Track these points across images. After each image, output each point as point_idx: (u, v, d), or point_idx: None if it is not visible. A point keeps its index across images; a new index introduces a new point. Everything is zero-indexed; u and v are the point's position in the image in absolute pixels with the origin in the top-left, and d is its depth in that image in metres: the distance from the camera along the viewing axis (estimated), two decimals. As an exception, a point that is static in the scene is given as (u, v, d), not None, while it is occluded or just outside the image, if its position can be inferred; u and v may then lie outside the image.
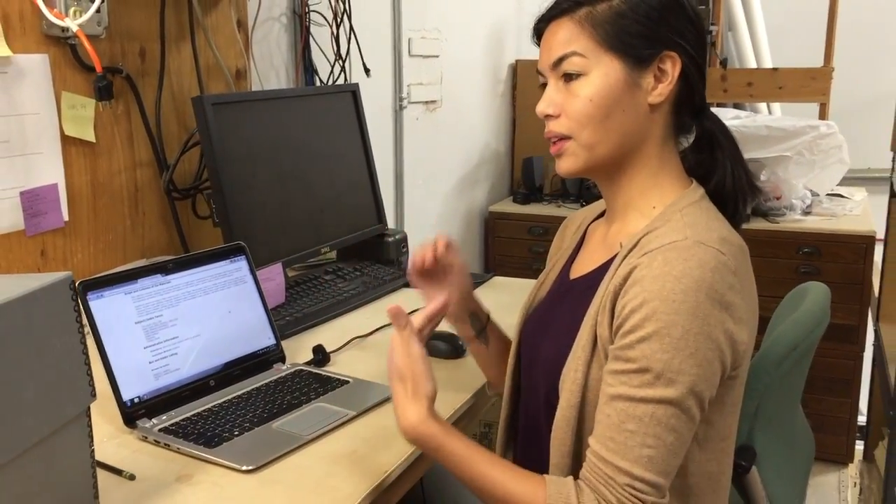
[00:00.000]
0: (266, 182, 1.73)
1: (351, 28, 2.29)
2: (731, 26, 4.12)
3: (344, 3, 2.25)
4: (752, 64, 4.13)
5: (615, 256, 1.03)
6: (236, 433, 1.17)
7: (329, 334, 1.60)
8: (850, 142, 3.03)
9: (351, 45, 2.31)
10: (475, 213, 3.49)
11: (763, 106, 4.13)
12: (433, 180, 3.09)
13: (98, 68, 1.50)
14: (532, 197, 3.53)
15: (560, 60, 1.03)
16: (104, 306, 1.20)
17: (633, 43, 1.01)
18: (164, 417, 1.22)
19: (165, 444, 1.15)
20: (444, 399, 1.29)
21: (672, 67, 1.02)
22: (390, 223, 2.16)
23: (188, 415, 1.23)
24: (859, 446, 3.02)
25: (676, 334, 0.91)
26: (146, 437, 1.17)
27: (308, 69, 2.24)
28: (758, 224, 2.99)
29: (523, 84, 3.70)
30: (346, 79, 2.31)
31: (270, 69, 2.15)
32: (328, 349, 1.47)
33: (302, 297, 1.74)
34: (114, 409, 1.19)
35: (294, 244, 1.78)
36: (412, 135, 2.88)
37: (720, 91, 3.50)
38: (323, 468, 1.10)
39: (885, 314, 2.50)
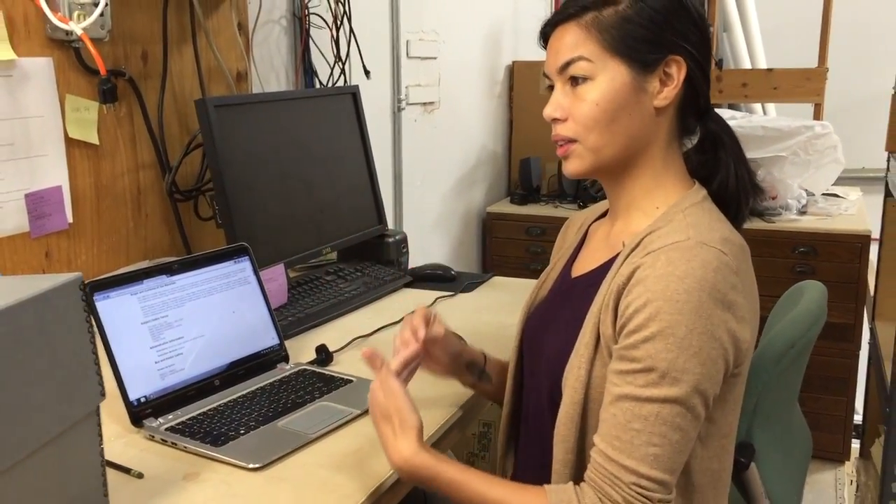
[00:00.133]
0: (268, 183, 1.74)
1: (351, 30, 2.30)
2: (725, 27, 4.14)
3: (344, 6, 2.27)
4: (747, 64, 4.15)
5: (617, 255, 1.05)
6: (242, 432, 1.18)
7: (331, 334, 1.61)
8: (844, 142, 3.05)
9: (351, 48, 2.32)
10: (473, 214, 3.50)
11: (758, 106, 4.15)
12: (431, 181, 3.11)
13: (103, 71, 1.51)
14: (529, 197, 3.55)
15: (567, 65, 1.04)
16: (111, 307, 1.21)
17: (638, 48, 1.02)
18: (171, 417, 1.23)
19: (172, 443, 1.16)
20: (446, 394, 1.31)
21: (677, 71, 1.03)
22: (389, 224, 2.17)
23: (194, 414, 1.24)
24: (855, 444, 3.04)
25: (680, 334, 0.92)
26: (153, 437, 1.18)
27: (308, 71, 2.25)
28: (753, 224, 2.95)
29: (520, 85, 3.72)
30: (345, 81, 2.33)
31: (271, 71, 2.16)
32: (330, 349, 1.49)
33: (304, 298, 1.75)
34: (120, 408, 1.20)
35: (296, 245, 1.79)
36: (410, 136, 2.89)
37: (715, 91, 3.52)
38: (329, 466, 1.11)
39: (880, 313, 2.52)
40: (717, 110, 1.13)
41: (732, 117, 3.24)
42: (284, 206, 1.78)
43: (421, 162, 2.99)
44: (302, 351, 1.51)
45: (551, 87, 1.08)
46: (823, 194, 3.25)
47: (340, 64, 2.30)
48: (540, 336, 1.15)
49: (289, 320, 1.62)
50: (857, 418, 3.08)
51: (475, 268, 3.55)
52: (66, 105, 1.54)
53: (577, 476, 1.02)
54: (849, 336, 2.95)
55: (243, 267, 1.42)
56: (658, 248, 0.97)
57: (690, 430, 0.95)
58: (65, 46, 1.53)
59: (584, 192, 3.45)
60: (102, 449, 0.98)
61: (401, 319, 1.68)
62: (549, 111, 1.07)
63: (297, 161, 1.83)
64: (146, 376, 1.23)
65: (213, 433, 1.18)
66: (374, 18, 2.64)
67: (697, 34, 1.05)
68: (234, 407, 1.27)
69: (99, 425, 0.97)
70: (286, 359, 1.44)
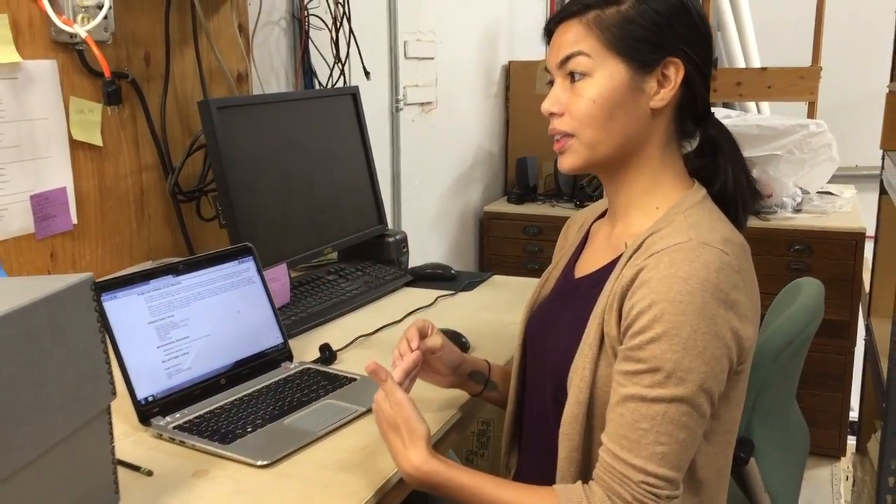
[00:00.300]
0: (269, 184, 1.76)
1: (350, 31, 2.31)
2: (719, 26, 4.16)
3: (343, 7, 2.28)
4: (741, 63, 4.18)
5: (620, 256, 1.06)
6: (249, 430, 1.20)
7: (333, 333, 1.62)
8: (838, 140, 3.06)
9: (350, 48, 2.33)
10: (470, 213, 3.52)
11: (752, 105, 4.17)
12: (429, 181, 3.12)
13: (107, 73, 1.52)
14: (526, 197, 3.56)
15: (566, 59, 1.06)
16: (118, 307, 1.22)
17: (638, 48, 1.03)
18: (178, 415, 1.24)
19: (180, 441, 1.18)
20: (445, 396, 1.32)
21: (675, 74, 1.05)
22: (388, 223, 2.18)
23: (201, 412, 1.25)
24: (851, 440, 3.07)
25: (685, 334, 0.93)
26: (161, 435, 1.20)
27: (307, 72, 2.26)
28: (749, 222, 2.99)
29: (516, 85, 3.74)
30: (345, 82, 2.34)
31: (271, 72, 2.17)
32: (333, 348, 1.50)
33: (306, 297, 1.76)
34: (128, 407, 1.21)
35: (297, 245, 1.80)
36: (408, 136, 2.91)
37: (710, 91, 3.53)
38: (335, 463, 1.12)
39: (875, 309, 2.55)
40: (712, 110, 1.15)
41: (727, 116, 3.25)
42: (286, 207, 1.79)
43: (419, 162, 3.00)
44: (305, 350, 1.52)
45: (552, 83, 1.10)
46: (818, 192, 3.27)
47: (340, 65, 2.32)
48: (543, 335, 1.17)
49: (291, 320, 1.63)
50: (853, 414, 3.10)
51: (472, 267, 3.57)
52: (71, 107, 1.55)
53: (582, 474, 1.04)
54: (844, 333, 2.97)
55: (247, 267, 1.44)
56: (660, 249, 0.98)
57: (696, 428, 0.96)
58: (69, 49, 1.54)
59: (581, 191, 3.47)
60: (113, 447, 0.99)
61: (402, 319, 1.70)
62: (547, 105, 1.08)
63: (298, 162, 1.84)
64: (153, 375, 1.24)
65: (220, 431, 1.19)
66: (372, 19, 2.66)
67: (699, 38, 1.06)
68: (241, 405, 1.28)
69: (110, 424, 0.99)
70: (290, 358, 1.46)
